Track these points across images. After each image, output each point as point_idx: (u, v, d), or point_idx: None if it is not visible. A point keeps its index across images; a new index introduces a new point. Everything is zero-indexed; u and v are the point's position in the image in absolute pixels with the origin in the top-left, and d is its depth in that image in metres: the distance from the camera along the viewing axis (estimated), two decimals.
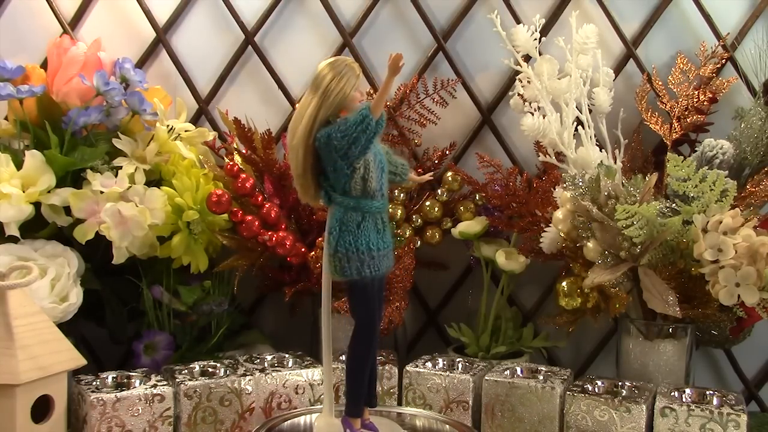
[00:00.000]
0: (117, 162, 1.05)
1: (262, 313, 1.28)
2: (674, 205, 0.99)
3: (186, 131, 1.15)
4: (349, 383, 0.81)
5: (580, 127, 1.10)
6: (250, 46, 1.26)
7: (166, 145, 1.10)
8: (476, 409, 0.96)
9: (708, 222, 0.92)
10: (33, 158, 1.00)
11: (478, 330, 1.16)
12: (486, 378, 0.95)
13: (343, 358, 1.02)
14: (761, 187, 1.05)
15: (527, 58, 1.13)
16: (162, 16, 1.26)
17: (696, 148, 1.10)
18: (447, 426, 0.89)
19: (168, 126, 1.11)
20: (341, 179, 0.77)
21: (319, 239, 1.09)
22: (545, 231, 1.06)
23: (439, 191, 1.19)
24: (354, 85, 0.77)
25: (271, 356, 1.02)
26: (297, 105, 0.78)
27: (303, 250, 1.10)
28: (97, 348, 1.16)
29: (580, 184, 1.00)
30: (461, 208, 1.18)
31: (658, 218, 0.94)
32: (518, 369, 0.98)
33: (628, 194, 0.97)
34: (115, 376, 0.92)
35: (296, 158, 0.77)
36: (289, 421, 0.89)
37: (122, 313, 1.09)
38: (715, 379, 1.24)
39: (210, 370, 0.95)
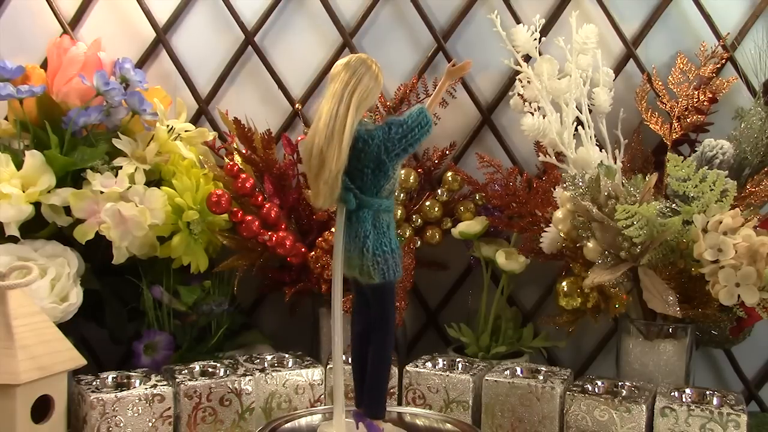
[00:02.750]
0: (117, 162, 1.05)
1: (262, 313, 1.28)
2: (674, 205, 0.99)
3: (186, 131, 1.15)
4: (378, 385, 0.79)
5: (580, 127, 1.10)
6: (250, 46, 1.26)
7: (166, 145, 1.10)
8: (476, 409, 0.96)
9: (708, 222, 0.92)
10: (33, 158, 1.00)
11: (478, 330, 1.16)
12: (486, 378, 0.95)
13: (343, 358, 1.02)
14: (761, 187, 1.05)
15: (527, 58, 1.13)
16: (162, 16, 1.26)
17: (696, 148, 1.10)
18: (448, 425, 0.89)
19: (168, 126, 1.11)
20: (380, 181, 0.76)
21: (319, 239, 1.09)
22: (545, 231, 1.06)
23: (439, 191, 1.19)
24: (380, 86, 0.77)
25: (271, 356, 1.02)
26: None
27: (303, 250, 1.10)
28: (97, 348, 1.15)
29: (580, 184, 1.00)
30: (461, 208, 1.18)
31: (658, 218, 0.94)
32: (518, 369, 0.98)
33: (628, 194, 0.97)
34: (115, 376, 0.92)
35: (337, 159, 0.73)
36: (291, 423, 0.88)
37: (122, 313, 1.09)
38: (715, 379, 1.24)
39: (210, 370, 0.95)
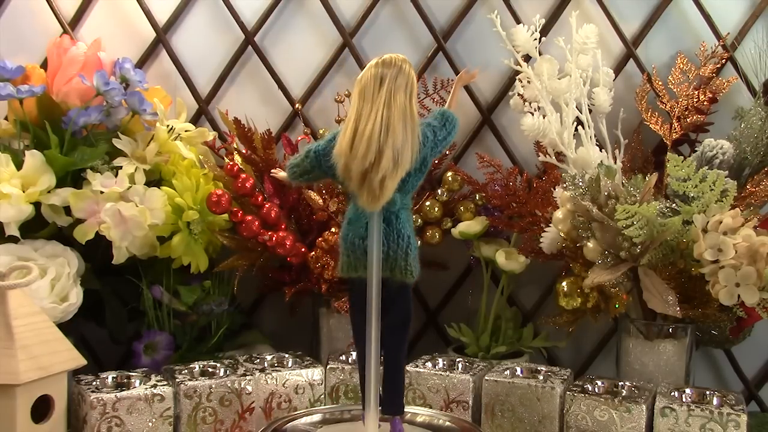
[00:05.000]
0: (117, 162, 1.05)
1: (262, 313, 1.28)
2: (674, 205, 0.99)
3: (186, 131, 1.15)
4: (399, 382, 0.80)
5: (580, 127, 1.10)
6: (250, 46, 1.26)
7: (166, 145, 1.10)
8: (476, 409, 0.96)
9: (708, 222, 0.92)
10: (33, 158, 1.00)
11: (478, 330, 1.16)
12: (486, 378, 0.95)
13: (343, 358, 1.02)
14: (761, 187, 1.05)
15: (527, 58, 1.13)
16: (162, 16, 1.26)
17: (696, 148, 1.10)
18: (448, 423, 0.89)
19: (168, 126, 1.11)
20: (417, 181, 0.77)
21: (319, 239, 1.09)
22: (545, 231, 1.06)
23: (439, 191, 1.19)
24: None
25: (271, 356, 1.02)
26: (355, 101, 0.75)
27: (303, 250, 1.10)
28: (97, 348, 1.16)
29: (580, 184, 1.00)
30: (461, 208, 1.18)
31: (658, 218, 0.94)
32: (518, 369, 0.98)
33: (628, 194, 0.97)
34: (115, 376, 0.92)
35: (411, 160, 0.74)
36: (292, 423, 0.88)
37: (122, 313, 1.09)
38: (715, 379, 1.24)
39: (210, 370, 0.95)
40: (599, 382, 0.95)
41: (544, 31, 1.18)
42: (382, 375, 0.80)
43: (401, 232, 0.77)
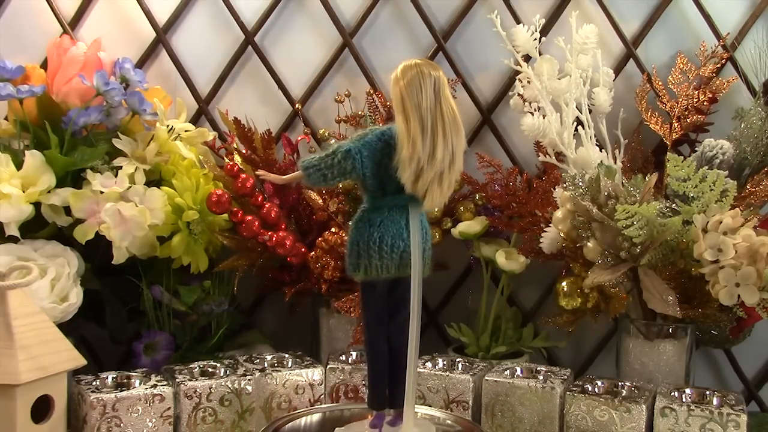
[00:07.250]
0: (117, 162, 1.05)
1: (262, 313, 1.28)
2: (674, 205, 0.99)
3: (186, 131, 1.15)
4: (405, 377, 0.80)
5: (580, 127, 1.10)
6: (250, 46, 1.26)
7: (166, 145, 1.10)
8: (476, 409, 0.96)
9: (708, 222, 0.92)
10: (33, 158, 1.00)
11: (478, 330, 1.16)
12: (486, 378, 0.95)
13: (343, 358, 1.02)
14: (761, 187, 1.05)
15: (527, 58, 1.13)
16: (162, 16, 1.26)
17: (696, 148, 1.10)
18: (449, 421, 0.89)
19: (168, 126, 1.11)
20: None
21: (319, 239, 1.09)
22: (545, 231, 1.06)
23: None
24: None
25: (271, 356, 1.02)
26: (451, 104, 0.75)
27: (303, 250, 1.10)
28: (97, 348, 1.16)
29: (580, 184, 1.00)
30: (461, 208, 1.18)
31: (658, 218, 0.94)
32: (518, 369, 0.98)
33: (628, 194, 0.97)
34: (115, 376, 0.92)
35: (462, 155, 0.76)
36: (292, 422, 0.88)
37: (122, 313, 1.09)
38: (715, 379, 1.24)
39: (210, 370, 0.95)
40: (599, 382, 0.95)
41: (544, 31, 1.18)
42: (389, 372, 0.80)
43: (427, 229, 0.79)
